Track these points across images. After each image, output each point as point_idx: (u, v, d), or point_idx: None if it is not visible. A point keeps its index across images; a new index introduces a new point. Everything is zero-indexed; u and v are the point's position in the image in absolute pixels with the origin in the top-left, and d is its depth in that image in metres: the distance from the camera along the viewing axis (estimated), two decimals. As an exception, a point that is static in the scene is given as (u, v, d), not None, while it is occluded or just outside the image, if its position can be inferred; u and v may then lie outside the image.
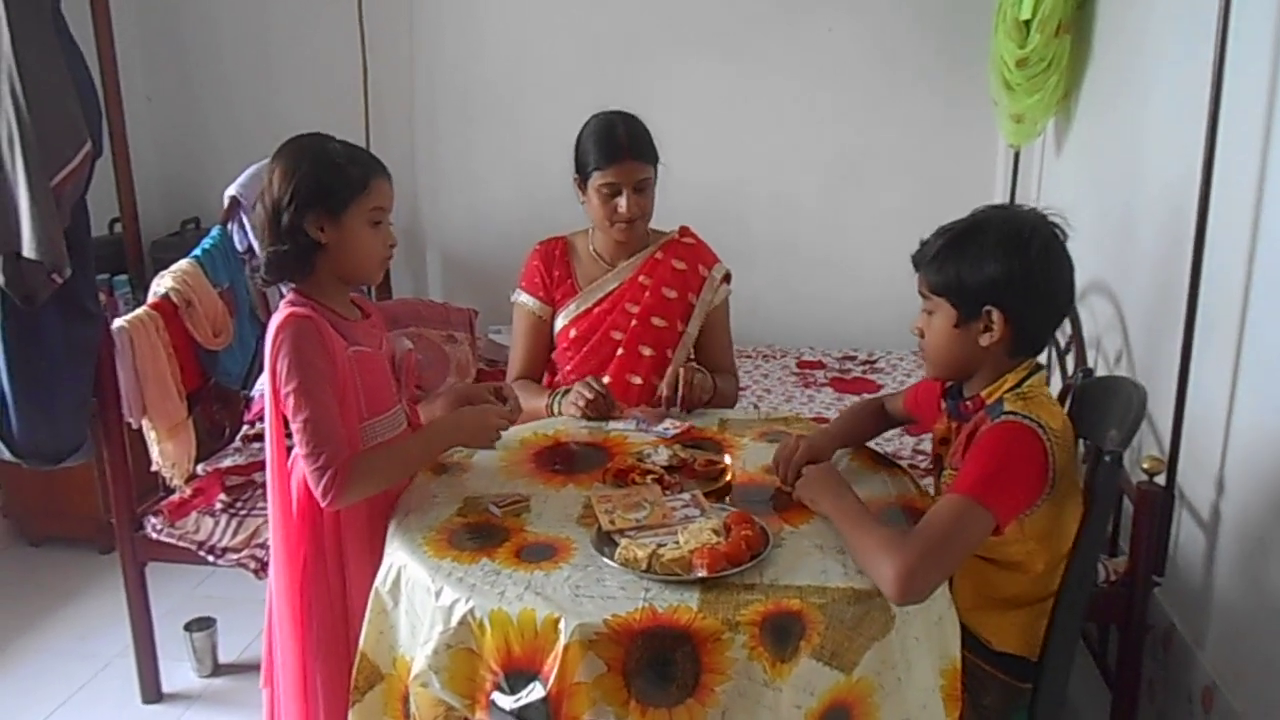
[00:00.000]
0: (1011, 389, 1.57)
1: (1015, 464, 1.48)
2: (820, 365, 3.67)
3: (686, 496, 1.67)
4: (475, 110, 4.03)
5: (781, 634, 1.34)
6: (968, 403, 1.62)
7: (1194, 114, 2.21)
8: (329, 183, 1.66)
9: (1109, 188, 2.87)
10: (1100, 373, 2.71)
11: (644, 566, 1.43)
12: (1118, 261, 2.75)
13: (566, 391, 2.14)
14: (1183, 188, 2.38)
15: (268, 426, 1.76)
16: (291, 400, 1.62)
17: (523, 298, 2.35)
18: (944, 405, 1.71)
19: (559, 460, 1.88)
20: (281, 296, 1.78)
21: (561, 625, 1.34)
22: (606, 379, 2.21)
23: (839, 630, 1.37)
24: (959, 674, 1.49)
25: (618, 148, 2.16)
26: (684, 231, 2.40)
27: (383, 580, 1.57)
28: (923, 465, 2.63)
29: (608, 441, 1.97)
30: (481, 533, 1.59)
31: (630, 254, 2.33)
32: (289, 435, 1.68)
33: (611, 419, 2.08)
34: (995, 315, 1.55)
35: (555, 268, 2.33)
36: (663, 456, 1.85)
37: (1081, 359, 2.70)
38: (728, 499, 1.70)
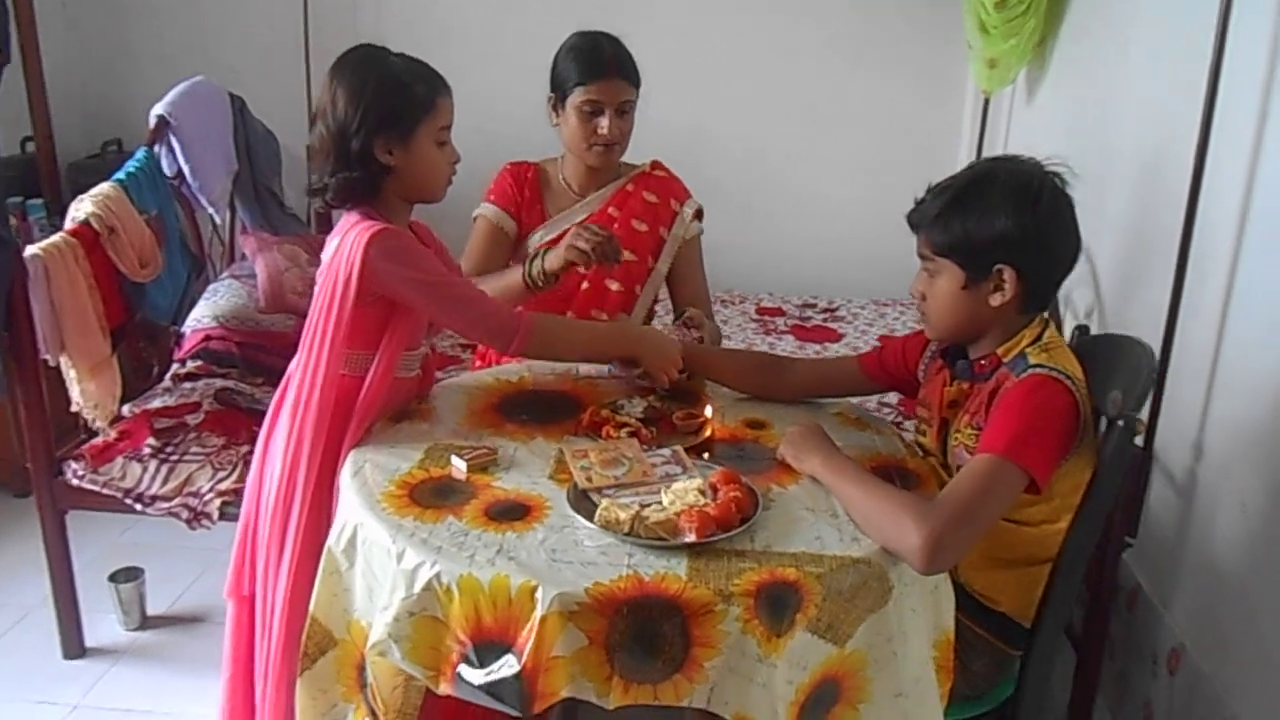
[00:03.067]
0: (1031, 343, 1.49)
1: (1048, 418, 1.40)
2: (780, 312, 3.58)
3: (667, 453, 1.56)
4: (424, 35, 3.80)
5: (777, 605, 1.25)
6: (981, 362, 1.53)
7: (1175, 65, 2.14)
8: (398, 105, 1.57)
9: (1082, 138, 2.79)
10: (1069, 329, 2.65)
11: (627, 529, 1.32)
12: (1089, 214, 2.65)
13: (546, 253, 1.95)
14: (1160, 141, 2.32)
15: (311, 341, 1.61)
16: (431, 292, 1.59)
17: (489, 209, 2.18)
18: (947, 367, 1.62)
19: (526, 409, 1.75)
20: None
21: (539, 594, 1.22)
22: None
23: (835, 601, 1.28)
24: (952, 644, 1.42)
25: (603, 63, 2.03)
26: (656, 165, 2.27)
27: (336, 539, 1.44)
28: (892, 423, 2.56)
29: (577, 389, 1.84)
30: (446, 488, 1.46)
31: (601, 185, 2.19)
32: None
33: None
34: (1007, 274, 1.46)
35: (526, 189, 2.18)
36: (638, 408, 1.73)
37: (1055, 315, 2.64)
38: (706, 455, 1.60)
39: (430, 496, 1.44)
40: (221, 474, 2.32)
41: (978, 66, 3.22)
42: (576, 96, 2.05)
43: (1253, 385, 1.80)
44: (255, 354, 2.68)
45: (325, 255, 1.61)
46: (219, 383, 2.54)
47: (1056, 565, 1.49)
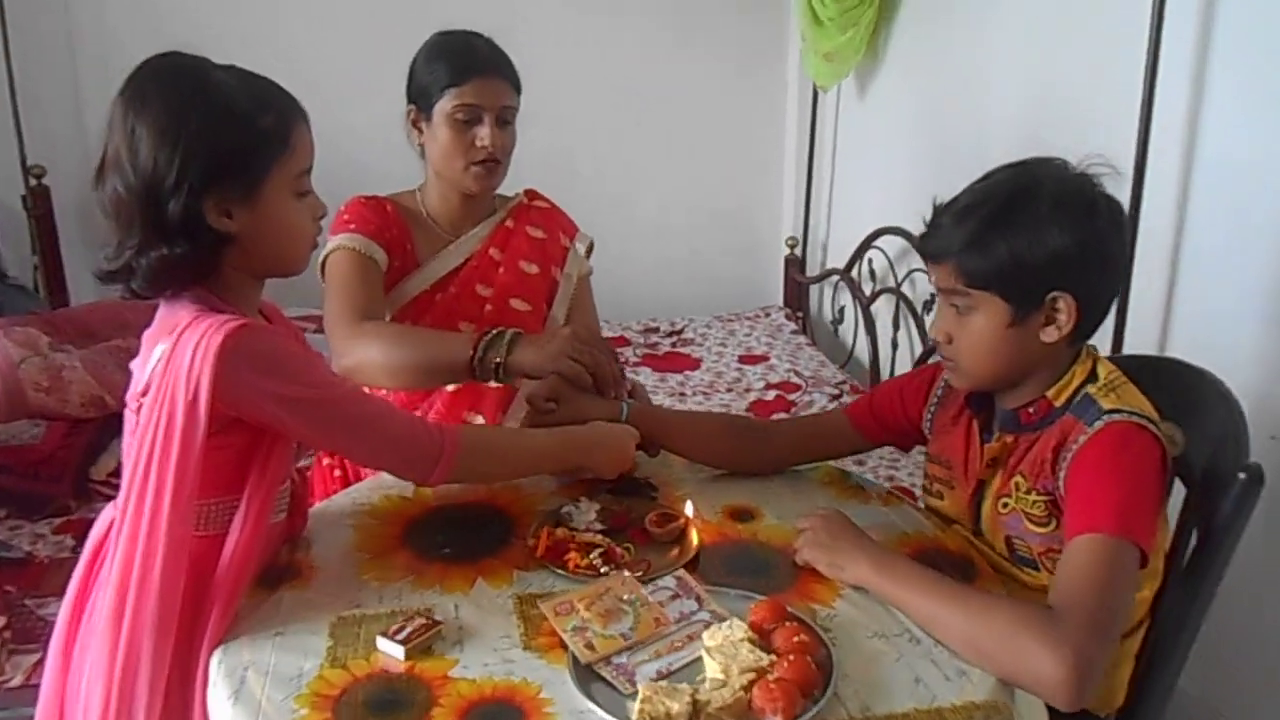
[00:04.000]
0: (1084, 383, 1.22)
1: (1147, 478, 1.14)
2: (624, 341, 3.23)
3: (670, 583, 1.16)
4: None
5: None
6: (1029, 410, 1.25)
7: (1047, 29, 2.03)
8: (236, 147, 1.07)
9: (931, 124, 2.65)
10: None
11: (688, 727, 0.93)
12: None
13: (513, 343, 1.45)
14: (1041, 106, 2.19)
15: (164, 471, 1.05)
16: (318, 413, 1.11)
17: (350, 239, 1.62)
18: (974, 416, 1.33)
19: (442, 537, 1.30)
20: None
21: None
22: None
23: (975, 771, 0.95)
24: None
25: (479, 60, 1.62)
26: (532, 195, 1.85)
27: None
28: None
29: (494, 496, 1.40)
30: (385, 695, 1.00)
31: (475, 220, 1.76)
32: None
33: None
34: (1063, 302, 1.18)
35: (392, 225, 1.68)
36: (589, 513, 1.33)
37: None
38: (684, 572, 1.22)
39: (369, 714, 0.97)
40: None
41: (812, 60, 3.02)
42: (448, 102, 1.61)
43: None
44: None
45: (144, 366, 1.08)
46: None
47: (1154, 640, 1.23)
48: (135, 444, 1.05)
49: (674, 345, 3.22)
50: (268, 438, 1.12)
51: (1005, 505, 1.27)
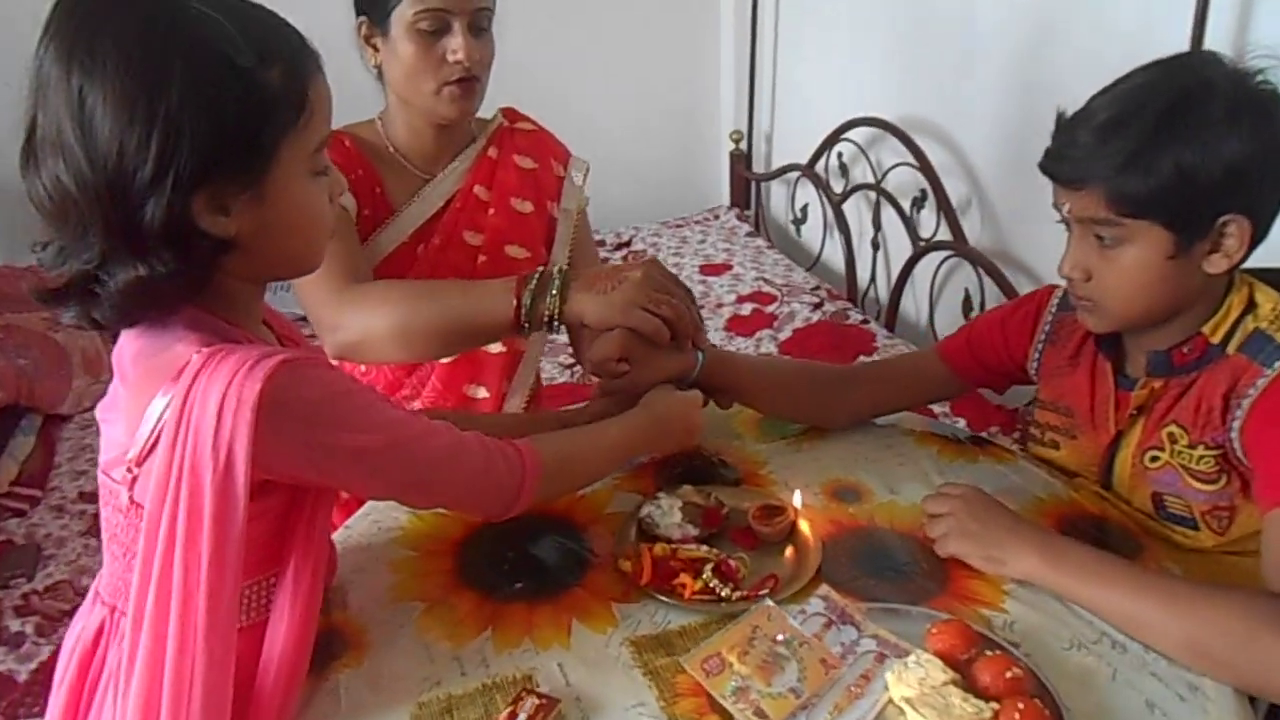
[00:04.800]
0: (1243, 314, 1.05)
1: None
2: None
3: (818, 604, 0.96)
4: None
5: None
6: (1183, 350, 1.07)
7: None
8: (237, 120, 0.75)
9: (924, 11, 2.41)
10: (938, 227, 2.32)
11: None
12: (952, 102, 2.33)
13: (545, 282, 1.20)
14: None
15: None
16: (389, 459, 0.85)
17: None
18: (1108, 358, 1.15)
19: (509, 567, 1.06)
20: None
21: None
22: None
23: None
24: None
25: None
26: (512, 115, 1.55)
27: None
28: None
29: (555, 502, 1.15)
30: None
31: (453, 152, 1.46)
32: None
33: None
34: (1234, 225, 0.99)
35: (357, 166, 1.37)
36: (672, 513, 1.11)
37: (955, 224, 2.28)
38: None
39: None
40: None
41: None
42: (407, 8, 1.28)
43: None
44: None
45: (135, 424, 0.78)
46: None
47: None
48: (147, 529, 0.76)
49: (625, 260, 2.96)
50: (311, 496, 0.85)
51: (1155, 459, 1.10)
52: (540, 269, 1.23)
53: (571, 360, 2.36)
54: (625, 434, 1.10)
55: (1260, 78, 1.00)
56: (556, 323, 1.20)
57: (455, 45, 1.31)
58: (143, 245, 0.73)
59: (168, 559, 0.73)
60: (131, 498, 0.78)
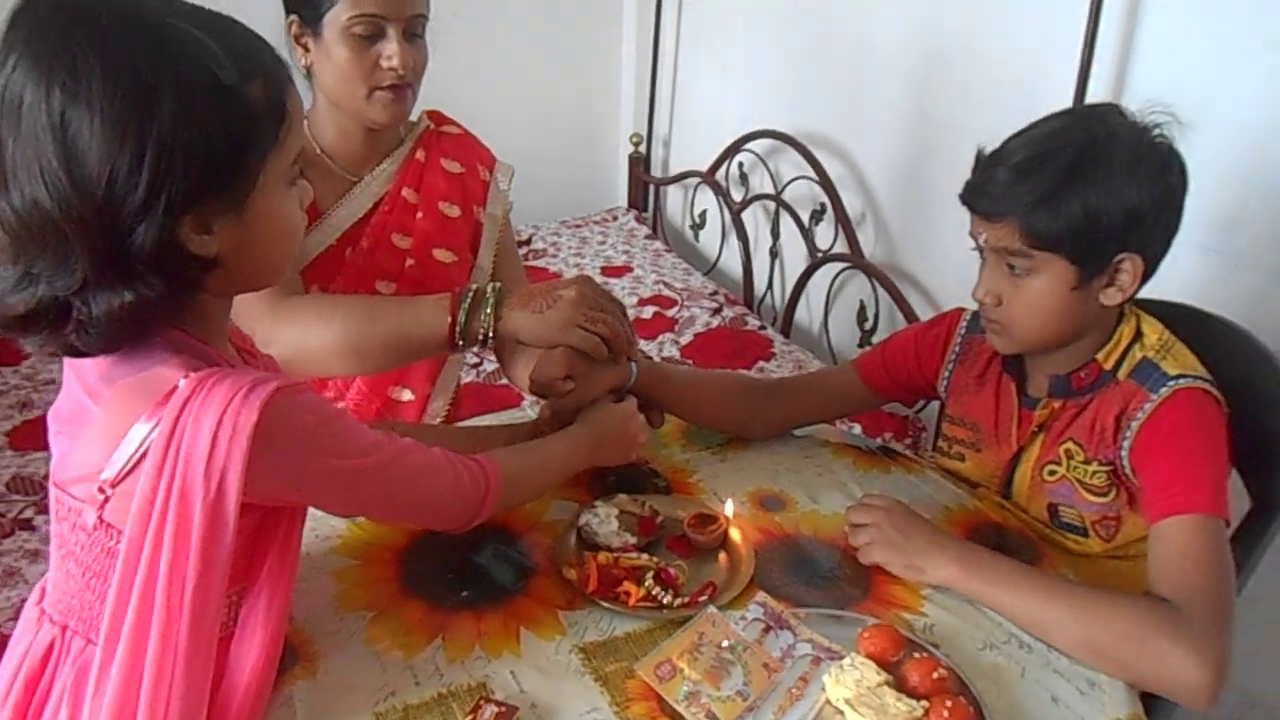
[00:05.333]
0: (1131, 343, 1.16)
1: (1221, 447, 1.10)
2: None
3: (757, 610, 1.02)
4: None
5: None
6: (1080, 374, 1.18)
7: None
8: (227, 139, 0.74)
9: (822, 18, 2.50)
10: (835, 240, 2.42)
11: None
12: (848, 119, 2.44)
13: (479, 298, 1.23)
14: (941, 14, 2.11)
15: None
16: (367, 481, 0.86)
17: None
18: (1012, 379, 1.24)
19: (454, 576, 1.07)
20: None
21: None
22: None
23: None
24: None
25: None
26: (438, 118, 1.56)
27: None
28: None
29: (506, 519, 1.17)
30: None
31: (381, 155, 1.45)
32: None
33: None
34: (1129, 263, 1.10)
35: None
36: (610, 521, 1.14)
37: (852, 237, 2.38)
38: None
39: None
40: None
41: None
42: (342, 11, 1.28)
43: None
44: None
45: (110, 447, 0.76)
46: None
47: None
48: (127, 553, 0.74)
49: (526, 258, 2.97)
50: (286, 514, 0.84)
51: (1053, 473, 1.21)
52: (474, 286, 1.25)
53: (477, 360, 2.37)
54: (570, 449, 1.13)
55: (1157, 132, 1.10)
56: (490, 339, 1.22)
57: (390, 51, 1.31)
58: (131, 270, 0.72)
59: (149, 583, 0.73)
60: (101, 518, 0.77)
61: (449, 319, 1.21)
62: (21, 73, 0.69)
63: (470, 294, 1.23)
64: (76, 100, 0.68)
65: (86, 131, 0.68)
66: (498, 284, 1.26)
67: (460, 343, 1.22)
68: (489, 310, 1.22)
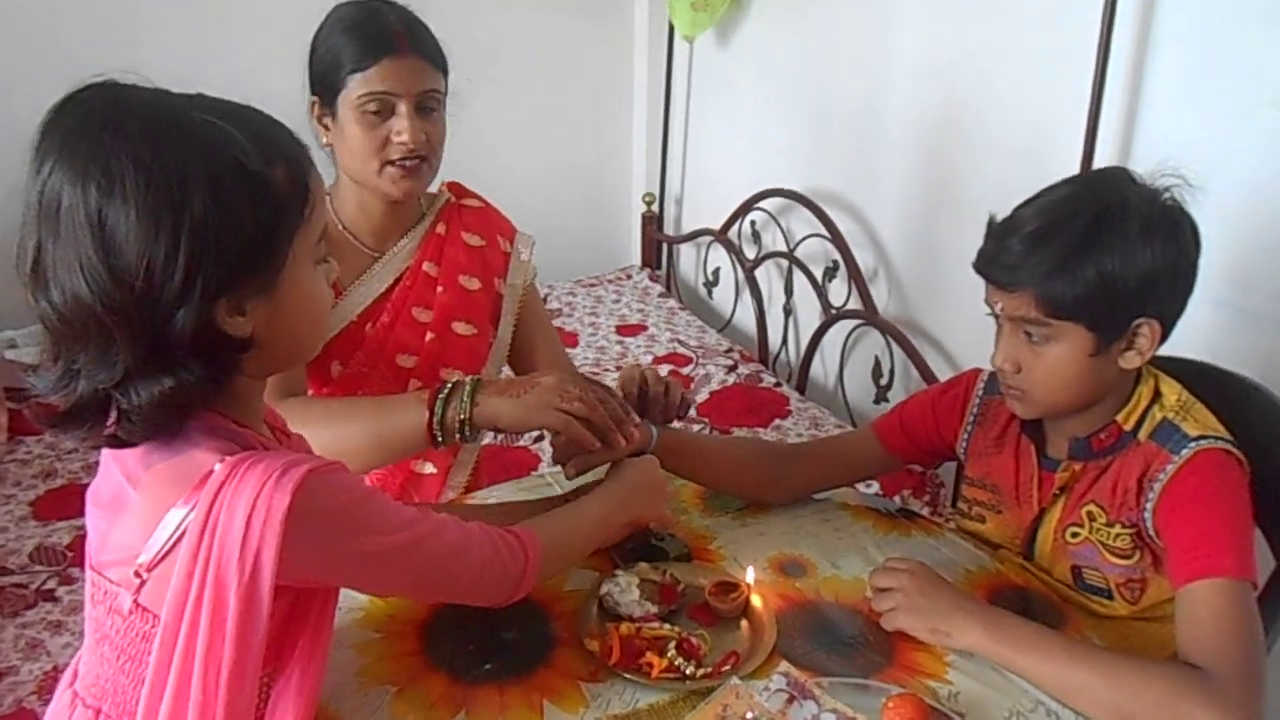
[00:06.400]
0: (1151, 404, 1.17)
1: (1245, 508, 1.10)
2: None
3: (780, 680, 1.01)
4: None
5: None
6: (1100, 436, 1.18)
7: None
8: (256, 224, 0.77)
9: (830, 77, 2.54)
10: (849, 297, 2.44)
11: None
12: (858, 179, 2.47)
13: (455, 390, 1.23)
14: (951, 75, 2.14)
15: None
16: (403, 560, 0.88)
17: None
18: (1031, 441, 1.25)
19: (476, 648, 1.07)
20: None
21: None
22: None
23: None
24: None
25: (388, 38, 1.33)
26: (459, 191, 1.59)
27: None
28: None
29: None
30: None
31: (402, 229, 1.49)
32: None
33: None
34: (1147, 327, 1.11)
35: None
36: (633, 593, 1.14)
37: (866, 294, 2.39)
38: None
39: None
40: None
41: (678, 9, 2.82)
42: (354, 89, 1.32)
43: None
44: None
45: (146, 531, 0.77)
46: None
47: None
48: (163, 637, 0.75)
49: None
50: (319, 596, 0.85)
51: (1075, 535, 1.20)
52: (453, 379, 1.26)
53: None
54: (603, 507, 1.15)
55: (1168, 195, 1.12)
56: (469, 429, 1.23)
57: (400, 127, 1.35)
58: (171, 357, 0.74)
59: (186, 668, 0.74)
60: (137, 602, 0.78)
61: (426, 413, 1.22)
62: (58, 177, 0.72)
63: (449, 386, 1.24)
64: (112, 197, 0.71)
65: (123, 225, 0.71)
66: (475, 378, 1.27)
67: (439, 436, 1.23)
68: (465, 399, 1.23)
